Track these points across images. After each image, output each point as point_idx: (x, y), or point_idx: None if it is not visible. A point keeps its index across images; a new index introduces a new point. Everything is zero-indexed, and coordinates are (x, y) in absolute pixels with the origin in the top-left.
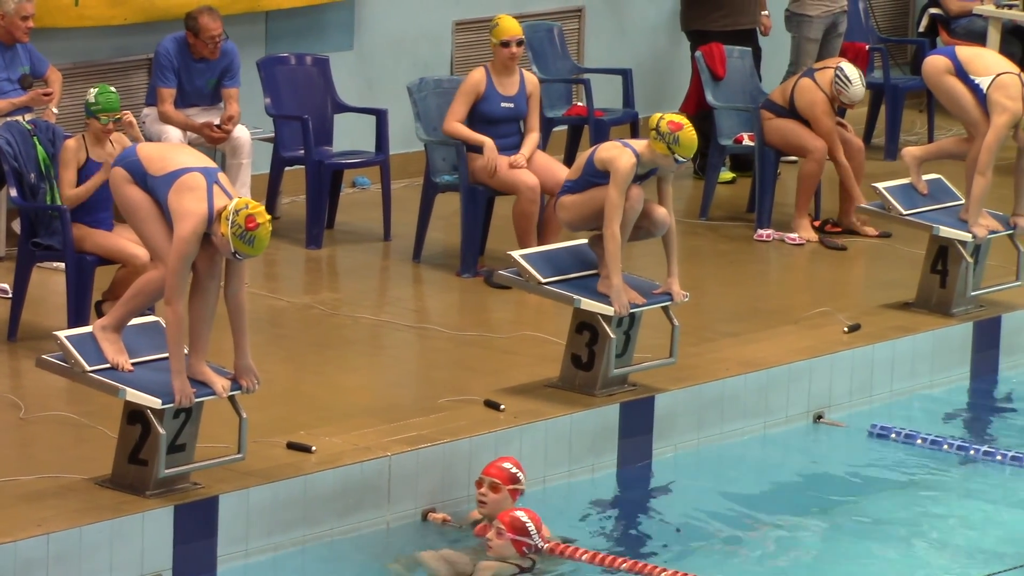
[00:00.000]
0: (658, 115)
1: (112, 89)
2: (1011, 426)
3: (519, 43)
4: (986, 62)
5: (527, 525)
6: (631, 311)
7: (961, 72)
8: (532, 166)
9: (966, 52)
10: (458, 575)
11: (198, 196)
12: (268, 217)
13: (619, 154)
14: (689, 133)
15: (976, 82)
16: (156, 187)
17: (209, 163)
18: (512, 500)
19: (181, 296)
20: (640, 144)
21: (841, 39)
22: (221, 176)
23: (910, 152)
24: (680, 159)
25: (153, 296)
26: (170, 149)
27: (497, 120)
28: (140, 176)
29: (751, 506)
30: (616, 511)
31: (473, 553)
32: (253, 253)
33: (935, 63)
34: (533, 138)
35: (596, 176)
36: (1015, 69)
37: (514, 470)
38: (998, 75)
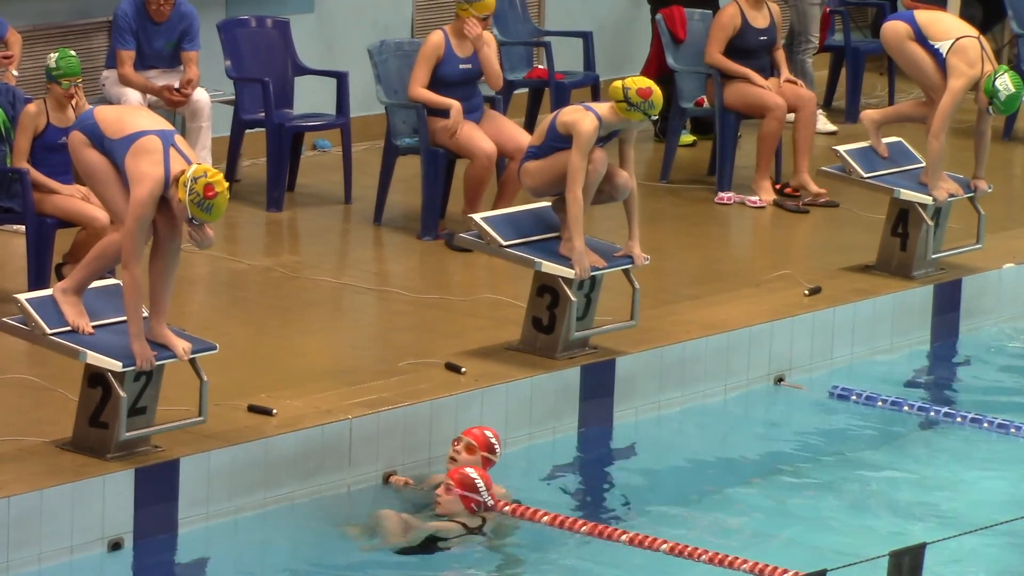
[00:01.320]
0: (620, 83)
1: (72, 53)
2: (971, 388)
3: (490, 17)
4: (945, 26)
5: (476, 482)
6: (592, 274)
7: (920, 37)
8: (490, 129)
9: (925, 16)
10: (413, 537)
11: (154, 159)
12: (226, 185)
13: (581, 117)
14: (659, 95)
15: (936, 47)
16: (113, 150)
17: (166, 126)
18: (484, 468)
19: (138, 259)
20: (603, 107)
21: (854, 6)
22: (178, 139)
23: (869, 115)
24: (648, 116)
25: (114, 259)
26: (128, 112)
27: (455, 83)
28: (98, 139)
29: (711, 469)
30: (577, 474)
31: (431, 519)
32: (210, 219)
33: (895, 28)
34: None
35: (559, 141)
36: (974, 33)
37: (493, 440)
38: (957, 39)
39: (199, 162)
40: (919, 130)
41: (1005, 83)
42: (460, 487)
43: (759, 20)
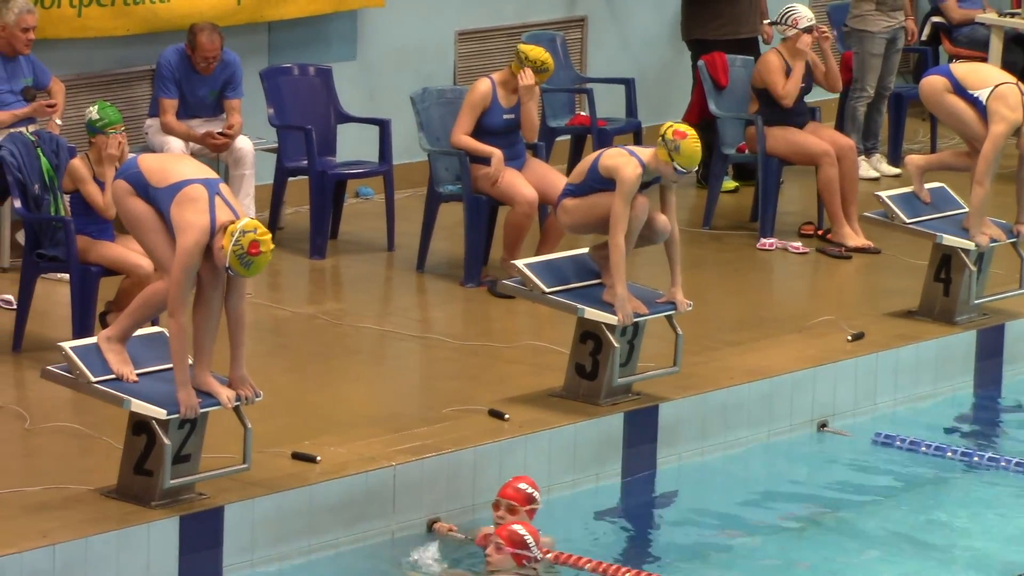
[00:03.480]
0: (668, 123)
1: (110, 105)
2: (1016, 433)
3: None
4: (983, 75)
5: (526, 538)
6: (635, 320)
7: (959, 88)
8: (532, 176)
9: (962, 68)
10: None
11: (200, 208)
12: (271, 247)
13: (625, 163)
14: (691, 144)
15: (975, 96)
16: (158, 199)
17: (211, 174)
18: (529, 520)
19: (184, 308)
20: (646, 153)
21: (899, 55)
22: (223, 187)
23: (913, 161)
24: (679, 169)
25: (158, 307)
26: (171, 160)
27: (498, 132)
28: (142, 188)
29: (755, 515)
30: (620, 520)
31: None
32: (247, 274)
33: (932, 84)
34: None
35: (599, 182)
36: (1012, 79)
37: (530, 490)
38: (996, 86)
39: (245, 212)
40: (961, 177)
41: None
42: (510, 545)
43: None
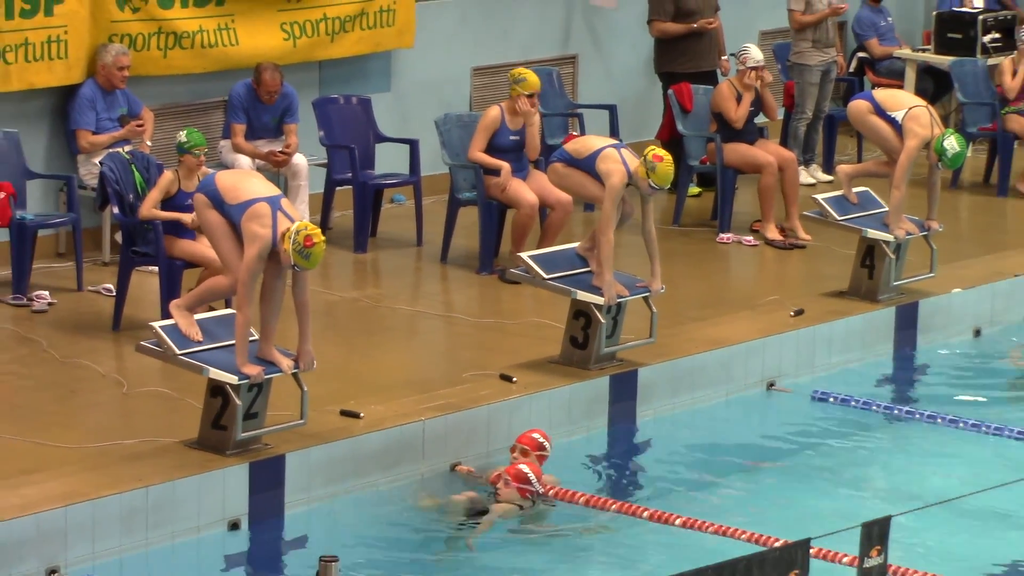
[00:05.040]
0: (651, 147)
1: (196, 130)
2: (927, 391)
3: (537, 95)
4: (899, 99)
5: (528, 475)
6: (618, 301)
7: (880, 110)
8: (533, 185)
9: (882, 93)
10: (475, 507)
11: (264, 223)
12: (323, 238)
13: (616, 170)
14: (665, 167)
15: (893, 116)
16: (231, 214)
17: (275, 191)
18: (539, 464)
19: (249, 303)
20: (633, 163)
21: (832, 84)
22: (284, 202)
23: (843, 170)
24: (653, 186)
25: (217, 295)
26: (242, 179)
27: (506, 149)
28: (218, 203)
29: (717, 458)
30: (607, 464)
31: (489, 498)
32: (309, 266)
33: (858, 106)
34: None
35: (589, 170)
36: (923, 103)
37: (541, 440)
38: (910, 108)
39: (300, 218)
40: (882, 182)
41: (952, 144)
42: (516, 481)
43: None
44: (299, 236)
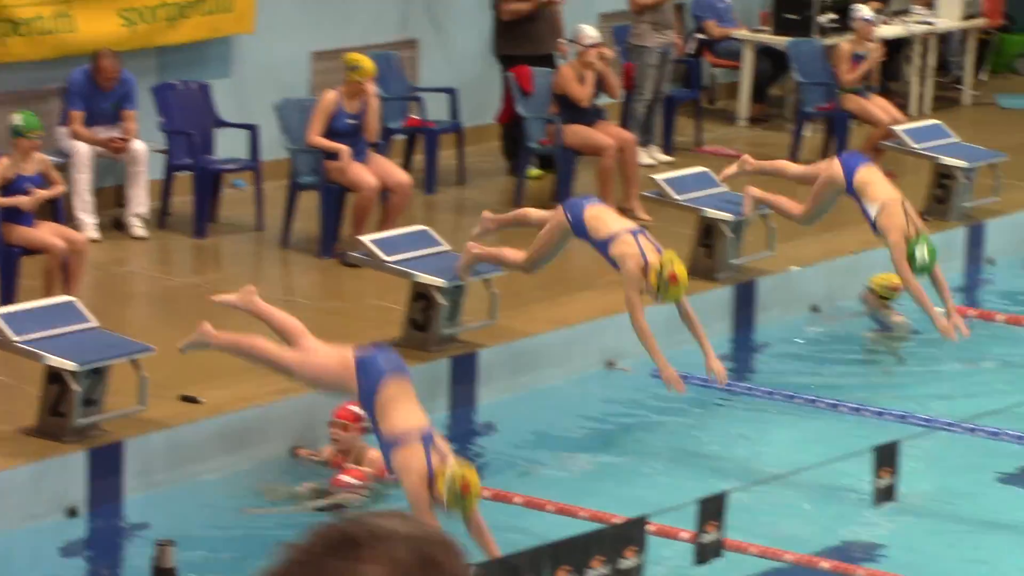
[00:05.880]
0: (671, 257)
1: (32, 113)
2: (765, 368)
3: (373, 79)
4: (877, 190)
5: (356, 411)
6: (456, 283)
7: (852, 190)
8: (374, 168)
9: (863, 175)
10: (318, 495)
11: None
12: (478, 485)
13: (631, 254)
14: (677, 291)
15: (865, 207)
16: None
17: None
18: (360, 436)
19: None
20: (652, 257)
21: (671, 65)
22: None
23: (751, 191)
24: (658, 297)
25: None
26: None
27: (344, 133)
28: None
29: (557, 437)
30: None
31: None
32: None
33: (833, 174)
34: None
35: (604, 252)
36: (898, 196)
37: (357, 410)
38: (884, 203)
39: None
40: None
41: (922, 254)
42: (351, 420)
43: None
44: (454, 485)
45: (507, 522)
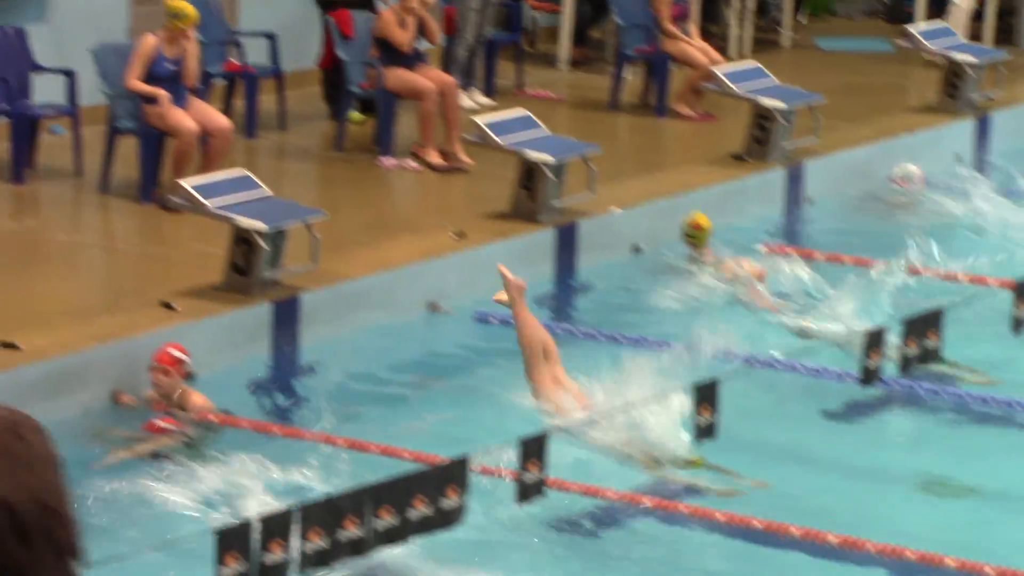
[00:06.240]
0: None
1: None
2: (587, 309)
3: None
4: None
5: (176, 354)
6: (278, 228)
7: None
8: (193, 113)
9: None
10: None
11: None
12: None
13: None
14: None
15: None
16: None
17: None
18: (181, 379)
19: None
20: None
21: (492, 8)
22: None
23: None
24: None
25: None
26: None
27: (164, 78)
28: None
29: (380, 380)
30: (271, 389)
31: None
32: None
33: None
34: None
35: None
36: None
37: (177, 354)
38: None
39: None
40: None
41: None
42: (171, 364)
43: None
44: None
45: (330, 464)
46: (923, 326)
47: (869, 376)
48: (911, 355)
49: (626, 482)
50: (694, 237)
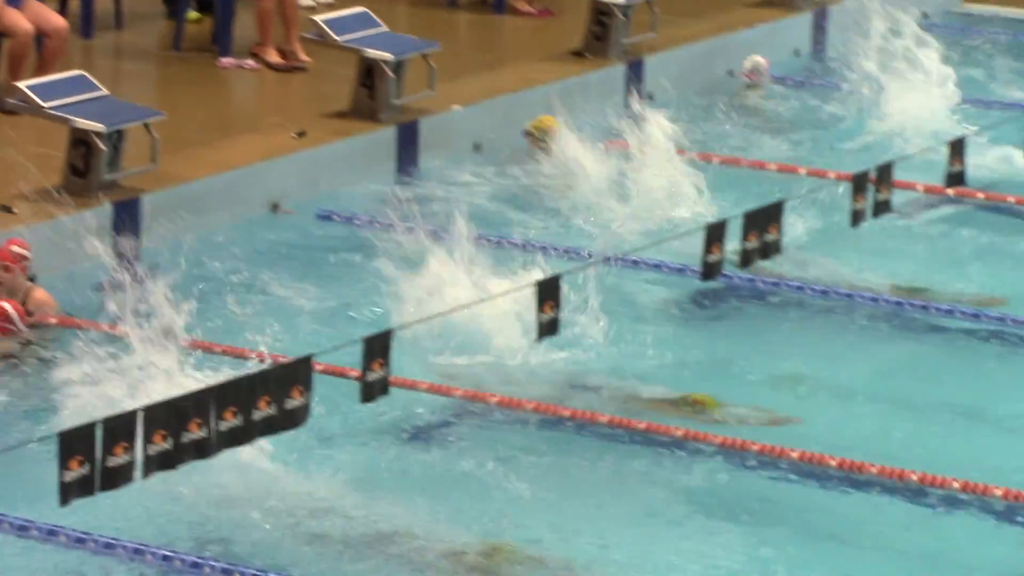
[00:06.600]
0: None
1: None
2: (430, 206)
3: None
4: None
5: (8, 312)
6: (117, 128)
7: None
8: (28, 14)
9: None
10: None
11: None
12: None
13: None
14: None
15: None
16: None
17: None
18: (23, 274)
19: None
20: None
21: None
22: None
23: None
24: None
25: None
26: None
27: None
28: None
29: (224, 281)
30: (112, 291)
31: None
32: None
33: None
34: None
35: None
36: None
37: (19, 250)
38: None
39: None
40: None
41: None
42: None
43: None
44: None
45: (174, 366)
46: (763, 220)
47: (709, 270)
48: (752, 248)
49: (474, 381)
50: (540, 138)
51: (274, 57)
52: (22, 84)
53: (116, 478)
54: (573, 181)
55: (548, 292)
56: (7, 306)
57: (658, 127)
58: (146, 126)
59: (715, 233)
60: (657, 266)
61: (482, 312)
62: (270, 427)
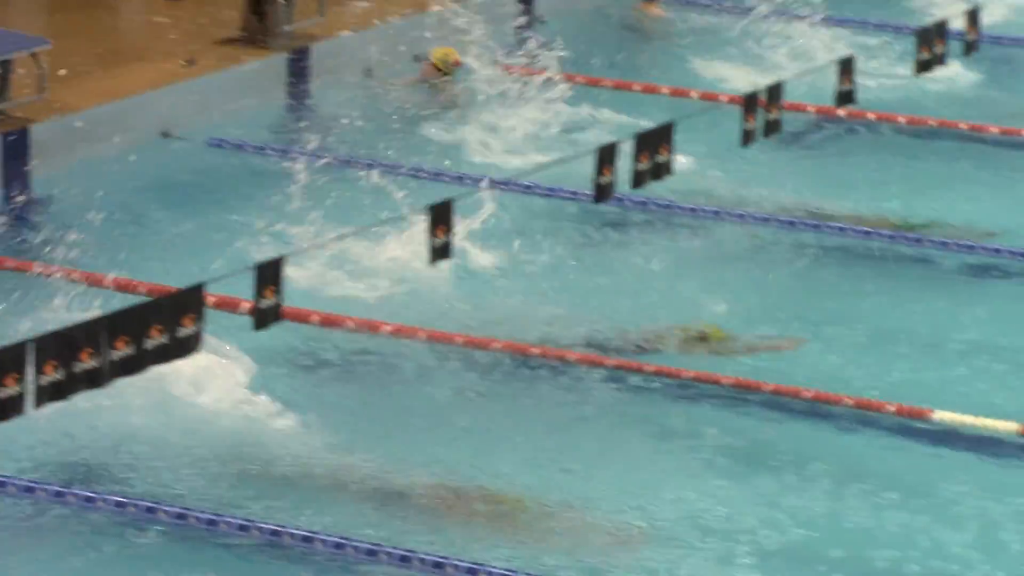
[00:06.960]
0: None
1: None
2: (324, 134)
3: None
4: None
5: None
6: (4, 59)
7: None
8: None
9: None
10: None
11: None
12: None
13: None
14: None
15: None
16: None
17: None
18: None
19: None
20: None
21: None
22: None
23: None
24: None
25: None
26: None
27: None
28: None
29: (117, 208)
30: (7, 225)
31: None
32: None
33: None
34: None
35: None
36: None
37: None
38: None
39: None
40: None
41: None
42: None
43: None
44: None
45: (65, 298)
46: (655, 140)
47: (602, 192)
48: (643, 169)
49: (369, 310)
50: (445, 71)
51: None
52: None
53: (7, 409)
54: (467, 107)
55: (440, 217)
56: None
57: (549, 51)
58: (33, 55)
59: (606, 155)
60: (552, 190)
61: (373, 236)
62: (162, 356)
